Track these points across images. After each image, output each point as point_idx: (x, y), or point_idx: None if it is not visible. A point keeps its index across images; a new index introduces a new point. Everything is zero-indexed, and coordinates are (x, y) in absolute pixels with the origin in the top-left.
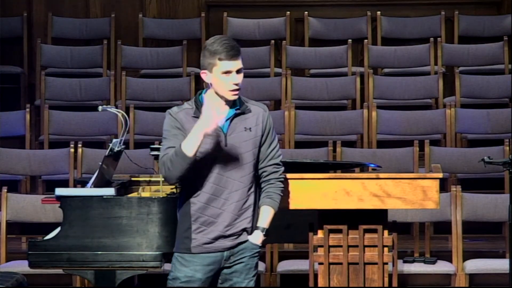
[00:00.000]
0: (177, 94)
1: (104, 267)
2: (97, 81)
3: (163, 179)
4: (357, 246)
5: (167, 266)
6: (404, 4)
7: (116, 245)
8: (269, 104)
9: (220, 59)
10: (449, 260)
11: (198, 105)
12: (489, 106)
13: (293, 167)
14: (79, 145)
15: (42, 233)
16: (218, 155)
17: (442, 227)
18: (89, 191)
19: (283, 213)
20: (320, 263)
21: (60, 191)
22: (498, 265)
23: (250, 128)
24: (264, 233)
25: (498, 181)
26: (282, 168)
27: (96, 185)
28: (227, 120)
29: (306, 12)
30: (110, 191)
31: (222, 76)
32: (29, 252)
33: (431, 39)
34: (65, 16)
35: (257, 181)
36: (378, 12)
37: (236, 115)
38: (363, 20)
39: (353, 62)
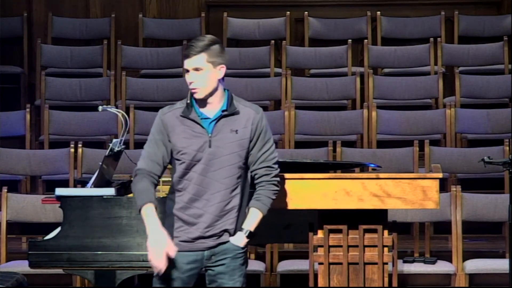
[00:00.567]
0: (177, 94)
1: (104, 267)
2: (97, 81)
3: (163, 179)
4: (357, 246)
5: None
6: (404, 4)
7: (116, 245)
8: (269, 104)
9: (183, 58)
10: (449, 260)
11: (188, 104)
12: (489, 106)
13: (293, 167)
14: (79, 145)
15: (42, 233)
16: (203, 156)
17: (442, 227)
18: (89, 191)
19: (283, 213)
20: (320, 263)
21: (60, 191)
22: (498, 265)
23: (236, 130)
24: (247, 235)
25: (498, 181)
26: (276, 171)
27: (96, 185)
28: (212, 121)
29: (306, 12)
30: (110, 191)
31: (185, 75)
32: (29, 252)
33: (431, 39)
34: (65, 16)
35: (244, 184)
36: (378, 12)
37: (222, 116)
38: (363, 20)
39: (353, 62)
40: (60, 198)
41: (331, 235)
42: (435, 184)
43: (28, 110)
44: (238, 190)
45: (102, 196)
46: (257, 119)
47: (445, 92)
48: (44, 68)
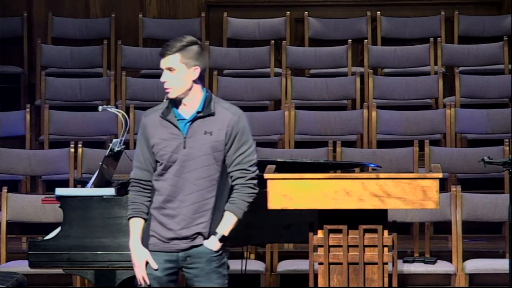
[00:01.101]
0: None
1: (104, 267)
2: (97, 81)
3: None
4: (357, 246)
5: None
6: (404, 4)
7: (116, 245)
8: (269, 104)
9: (159, 57)
10: (449, 260)
11: (169, 105)
12: (489, 106)
13: (293, 167)
14: (79, 145)
15: (42, 233)
16: (178, 157)
17: (442, 227)
18: (89, 191)
19: (283, 213)
20: (320, 263)
21: (60, 191)
22: (498, 265)
23: (211, 132)
24: (220, 239)
25: (498, 181)
26: (252, 174)
27: (96, 185)
28: (187, 122)
29: (306, 12)
30: (110, 191)
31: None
32: (29, 252)
33: (431, 39)
34: (65, 16)
35: (222, 186)
36: (378, 12)
37: (197, 118)
38: (363, 20)
39: (353, 62)
40: (60, 198)
41: (331, 235)
42: (435, 184)
43: (28, 110)
44: (213, 192)
45: (102, 196)
46: (233, 121)
47: (445, 92)
48: (44, 68)
